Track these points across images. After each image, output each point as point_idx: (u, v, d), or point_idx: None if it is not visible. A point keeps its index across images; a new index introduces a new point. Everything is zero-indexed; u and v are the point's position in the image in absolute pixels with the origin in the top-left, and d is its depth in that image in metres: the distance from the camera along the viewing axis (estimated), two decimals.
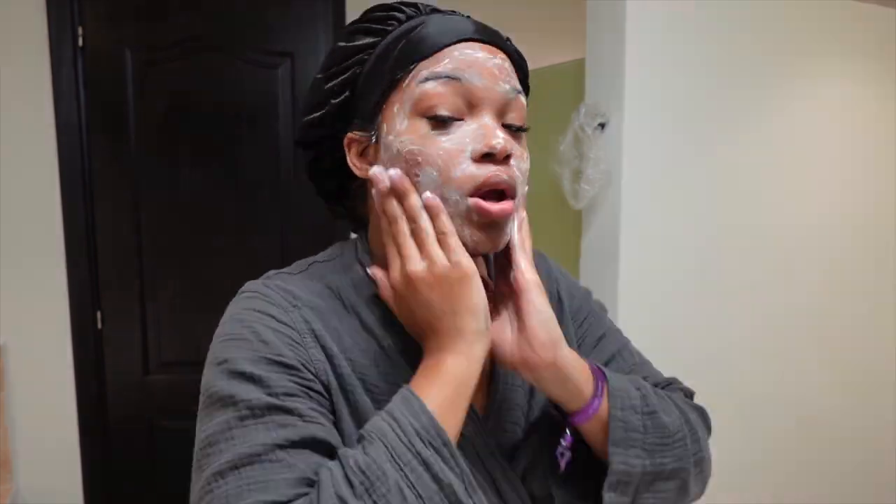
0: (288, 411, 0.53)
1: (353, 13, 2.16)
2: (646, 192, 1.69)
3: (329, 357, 0.58)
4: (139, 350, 2.11)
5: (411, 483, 0.48)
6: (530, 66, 0.68)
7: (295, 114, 2.14)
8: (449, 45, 0.58)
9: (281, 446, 0.51)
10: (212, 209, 2.10)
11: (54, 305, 2.00)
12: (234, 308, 0.60)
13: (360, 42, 0.61)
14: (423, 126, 0.57)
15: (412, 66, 0.58)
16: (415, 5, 0.62)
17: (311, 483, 0.50)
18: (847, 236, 2.08)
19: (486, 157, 0.56)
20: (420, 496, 0.48)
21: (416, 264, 0.55)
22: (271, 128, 2.12)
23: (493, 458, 0.60)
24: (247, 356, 0.55)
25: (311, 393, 0.56)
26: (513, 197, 0.58)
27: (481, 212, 0.56)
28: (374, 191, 0.59)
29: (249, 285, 0.63)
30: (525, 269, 0.59)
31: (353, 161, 0.63)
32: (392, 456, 0.48)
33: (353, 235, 0.70)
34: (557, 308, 0.72)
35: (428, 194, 0.56)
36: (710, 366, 1.84)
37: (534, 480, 0.62)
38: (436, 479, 0.49)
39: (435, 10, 0.62)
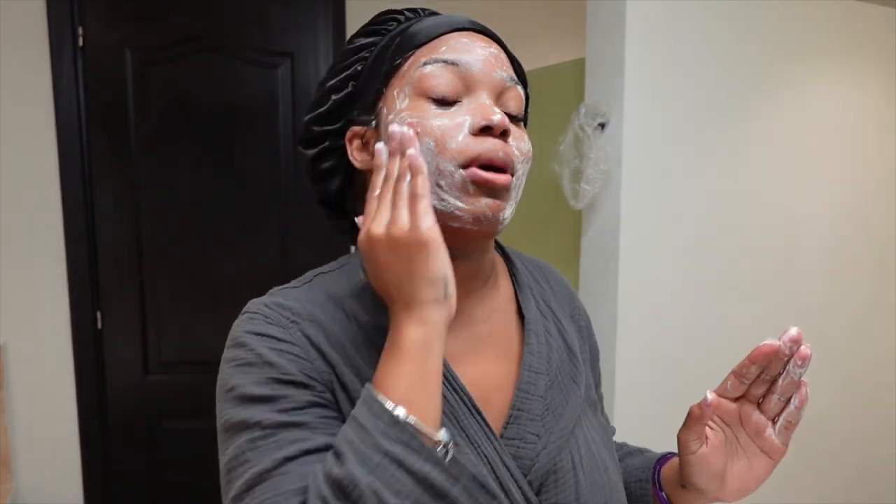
0: (297, 425, 0.54)
1: (352, 13, 2.16)
2: (646, 192, 1.69)
3: (332, 367, 0.58)
4: (139, 350, 2.11)
5: (387, 484, 0.47)
6: (530, 66, 0.69)
7: (295, 114, 2.14)
8: (445, 33, 0.61)
9: (290, 458, 0.52)
10: (211, 209, 2.11)
11: (54, 305, 2.00)
12: (237, 331, 0.60)
13: (362, 42, 0.65)
14: (424, 104, 0.59)
15: (410, 53, 0.61)
16: (414, 10, 0.66)
17: None
18: (847, 236, 2.08)
19: (484, 131, 0.57)
20: (399, 493, 0.47)
21: (378, 226, 0.54)
22: (271, 128, 2.13)
23: (506, 471, 0.60)
24: (253, 380, 0.56)
25: (321, 403, 0.56)
26: (511, 173, 0.59)
27: (476, 180, 0.56)
28: (381, 156, 0.57)
29: (251, 305, 0.62)
30: (786, 444, 0.62)
31: (353, 155, 0.64)
32: (362, 462, 0.48)
33: (353, 249, 0.69)
34: (577, 331, 0.75)
35: (412, 151, 0.55)
36: (710, 365, 1.84)
37: (549, 492, 0.62)
38: (410, 473, 0.48)
39: (433, 13, 0.66)
